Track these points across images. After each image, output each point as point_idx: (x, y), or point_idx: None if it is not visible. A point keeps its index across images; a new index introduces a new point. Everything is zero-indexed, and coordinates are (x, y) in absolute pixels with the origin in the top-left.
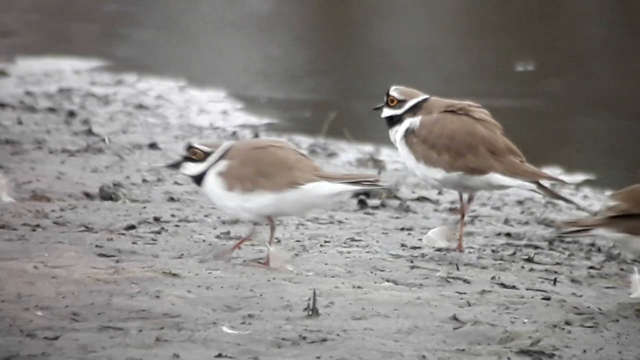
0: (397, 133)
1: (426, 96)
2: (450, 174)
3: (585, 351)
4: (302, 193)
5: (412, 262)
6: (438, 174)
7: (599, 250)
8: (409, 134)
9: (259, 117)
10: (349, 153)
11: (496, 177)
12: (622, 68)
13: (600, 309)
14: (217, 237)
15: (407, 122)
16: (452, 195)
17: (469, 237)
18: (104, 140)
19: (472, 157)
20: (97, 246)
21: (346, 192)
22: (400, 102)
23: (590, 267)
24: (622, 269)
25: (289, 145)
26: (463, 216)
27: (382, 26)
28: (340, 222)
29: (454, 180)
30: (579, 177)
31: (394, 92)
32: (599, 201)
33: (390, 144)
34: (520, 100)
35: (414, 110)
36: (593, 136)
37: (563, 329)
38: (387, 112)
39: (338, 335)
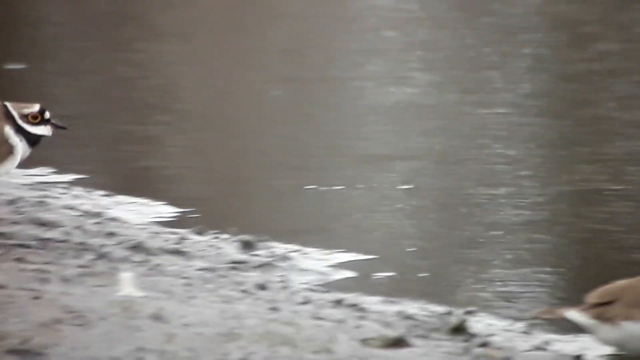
0: None
1: None
2: None
3: (74, 349)
4: None
5: None
6: None
7: (89, 249)
8: None
9: None
10: None
11: None
12: None
13: (90, 307)
14: None
15: None
16: None
17: None
18: None
19: None
20: None
21: None
22: None
23: (81, 266)
24: (110, 267)
25: None
26: None
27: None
28: None
29: None
30: (71, 176)
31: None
32: (88, 200)
33: None
34: None
35: None
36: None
37: (53, 327)
38: None
39: None
